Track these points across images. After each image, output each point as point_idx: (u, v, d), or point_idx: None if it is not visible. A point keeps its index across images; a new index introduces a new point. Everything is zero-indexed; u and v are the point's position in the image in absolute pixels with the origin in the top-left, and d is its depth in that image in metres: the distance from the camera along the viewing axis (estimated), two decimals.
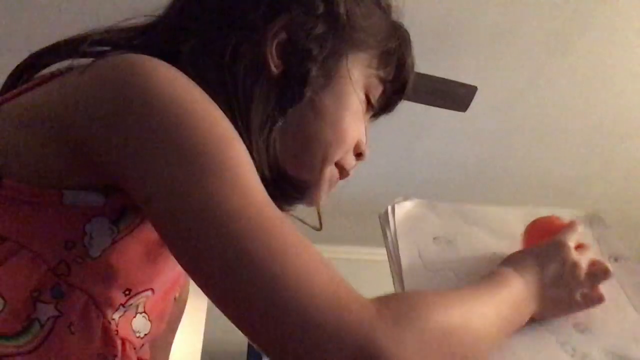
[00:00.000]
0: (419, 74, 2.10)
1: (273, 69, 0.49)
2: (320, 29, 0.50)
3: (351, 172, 0.59)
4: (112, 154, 0.38)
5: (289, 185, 0.52)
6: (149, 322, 0.48)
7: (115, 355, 0.41)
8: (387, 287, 0.60)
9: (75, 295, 0.39)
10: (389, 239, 0.58)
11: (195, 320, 3.32)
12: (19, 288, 0.37)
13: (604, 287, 0.54)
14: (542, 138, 2.66)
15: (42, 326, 0.37)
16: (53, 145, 0.39)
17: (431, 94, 2.00)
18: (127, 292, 0.43)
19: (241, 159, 0.38)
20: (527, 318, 0.51)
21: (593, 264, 0.55)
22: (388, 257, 0.57)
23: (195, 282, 0.37)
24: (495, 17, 2.00)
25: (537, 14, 1.98)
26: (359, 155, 0.59)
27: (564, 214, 0.61)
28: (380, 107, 0.60)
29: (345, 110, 0.53)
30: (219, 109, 0.40)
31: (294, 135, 0.51)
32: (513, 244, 0.60)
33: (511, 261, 0.54)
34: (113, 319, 0.43)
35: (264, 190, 0.38)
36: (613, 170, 2.88)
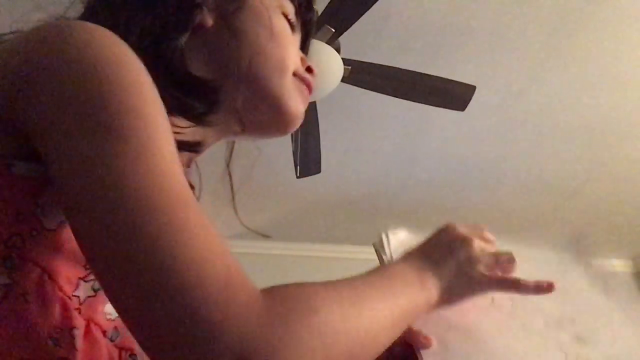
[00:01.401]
0: (418, 73, 2.11)
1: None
2: None
3: (313, 89, 0.61)
4: (31, 117, 0.37)
5: (259, 112, 0.56)
6: None
7: (75, 328, 0.40)
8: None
9: (27, 268, 0.38)
10: (386, 262, 0.60)
11: None
12: None
13: (602, 310, 0.55)
14: (541, 138, 2.66)
15: None
16: None
17: (430, 93, 2.00)
18: (87, 267, 0.42)
19: (154, 132, 0.37)
20: (425, 308, 0.50)
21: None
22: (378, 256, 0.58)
23: (85, 257, 0.36)
24: (494, 16, 2.00)
25: (537, 13, 1.98)
26: (308, 69, 0.62)
27: (548, 254, 0.63)
28: (302, 30, 0.64)
29: (267, 24, 0.57)
30: (147, 79, 0.39)
31: (211, 55, 0.55)
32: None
33: (400, 259, 0.54)
34: (76, 296, 0.41)
35: (176, 169, 0.37)
36: (613, 170, 2.88)
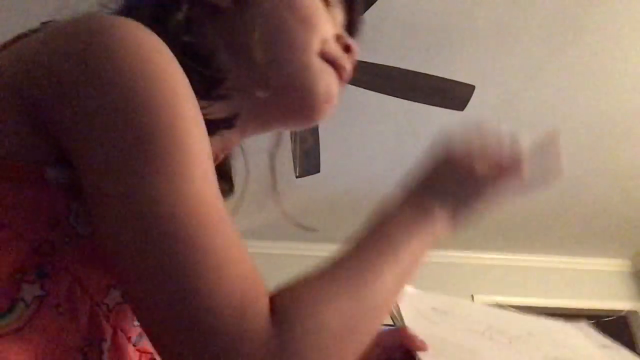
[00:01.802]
0: (417, 73, 2.11)
1: None
2: None
3: (348, 67, 0.55)
4: (62, 124, 0.36)
5: (285, 96, 0.52)
6: None
7: (103, 340, 0.39)
8: None
9: (59, 276, 0.37)
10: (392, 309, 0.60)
11: None
12: (1, 268, 0.35)
13: (596, 355, 0.55)
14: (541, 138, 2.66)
15: (27, 306, 0.35)
16: (18, 116, 0.37)
17: (430, 93, 2.00)
18: None
19: (187, 153, 0.35)
20: (433, 242, 0.48)
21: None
22: (392, 320, 0.58)
23: (115, 273, 0.36)
24: (494, 16, 2.00)
25: (536, 13, 1.98)
26: (346, 48, 0.55)
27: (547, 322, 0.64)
28: (344, 6, 0.59)
29: (296, 1, 0.52)
30: (186, 84, 0.38)
31: (263, 38, 0.50)
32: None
33: (399, 198, 0.52)
34: (105, 304, 0.40)
35: (206, 190, 0.36)
36: (612, 170, 2.88)
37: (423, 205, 0.51)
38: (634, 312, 3.56)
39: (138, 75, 0.35)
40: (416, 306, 0.60)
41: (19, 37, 0.43)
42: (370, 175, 3.01)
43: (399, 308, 0.58)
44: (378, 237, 0.45)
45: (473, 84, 1.99)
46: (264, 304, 0.35)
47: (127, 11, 0.47)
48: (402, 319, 0.56)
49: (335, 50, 0.54)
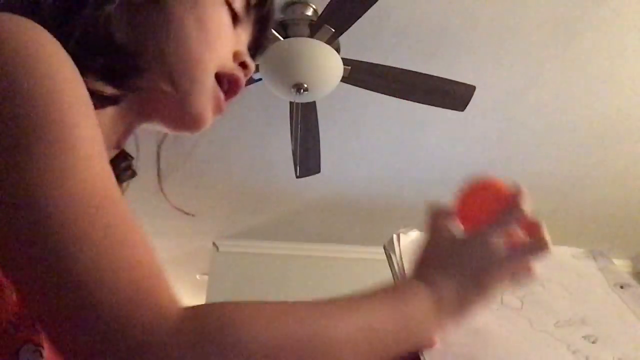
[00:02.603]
0: (418, 73, 2.11)
1: None
2: None
3: (242, 87, 0.57)
4: None
5: (170, 100, 0.52)
6: None
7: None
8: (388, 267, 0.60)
9: None
10: (395, 264, 0.58)
11: None
12: None
13: (613, 308, 0.54)
14: (541, 138, 2.66)
15: None
16: None
17: (430, 93, 2.00)
18: None
19: (72, 135, 0.34)
20: (431, 318, 0.43)
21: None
22: (393, 278, 0.57)
23: None
24: (494, 16, 2.00)
25: (536, 13, 1.98)
26: (242, 64, 0.57)
27: (564, 251, 0.60)
28: (255, 24, 0.60)
29: (207, 15, 0.53)
30: (70, 71, 0.37)
31: (140, 31, 0.51)
32: None
33: (422, 270, 0.47)
34: None
35: (92, 166, 0.35)
36: (613, 170, 2.88)
37: (421, 274, 0.46)
38: None
39: (15, 61, 0.35)
40: None
41: None
42: (370, 175, 3.01)
43: (404, 270, 0.56)
44: (352, 295, 0.41)
45: (473, 84, 1.99)
46: (166, 295, 0.33)
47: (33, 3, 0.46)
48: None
49: (230, 67, 0.56)
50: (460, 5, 1.95)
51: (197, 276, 4.54)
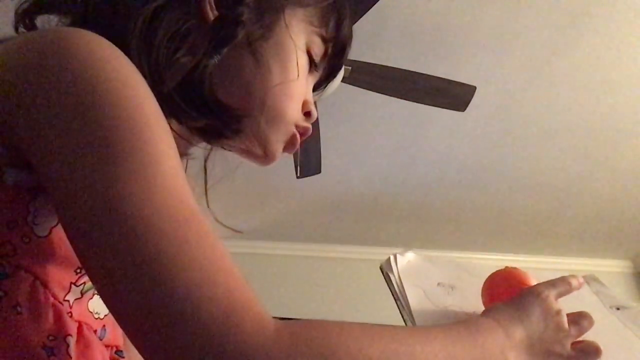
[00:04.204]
0: (418, 73, 2.11)
1: (209, 15, 0.51)
2: None
3: (309, 134, 0.60)
4: (22, 130, 0.36)
5: (249, 137, 0.55)
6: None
7: (69, 335, 0.40)
8: (387, 286, 0.60)
9: (19, 276, 0.38)
10: (394, 283, 0.59)
11: None
12: None
13: (612, 328, 0.55)
14: (541, 138, 2.66)
15: None
16: None
17: (430, 93, 2.00)
18: (78, 270, 0.42)
19: (154, 149, 0.35)
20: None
21: (574, 316, 0.54)
22: (395, 299, 0.58)
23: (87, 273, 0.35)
24: (495, 17, 2.00)
25: (537, 14, 1.98)
26: (307, 114, 0.60)
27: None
28: (324, 71, 0.62)
29: (288, 62, 0.54)
30: (146, 89, 0.38)
31: (235, 80, 0.53)
32: None
33: (490, 311, 0.51)
34: (66, 301, 0.41)
35: (177, 185, 0.36)
36: (613, 170, 2.88)
37: (491, 315, 0.50)
38: None
39: (98, 75, 0.36)
40: (421, 285, 0.59)
41: None
42: (370, 175, 3.01)
43: (403, 288, 0.57)
44: (427, 327, 0.44)
45: (474, 84, 1.99)
46: (260, 306, 0.33)
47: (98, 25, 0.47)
48: (409, 306, 0.55)
49: (302, 119, 0.59)
50: (461, 6, 1.95)
51: None
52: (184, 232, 0.33)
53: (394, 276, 0.59)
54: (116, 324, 0.48)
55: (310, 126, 0.60)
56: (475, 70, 2.22)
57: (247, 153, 0.59)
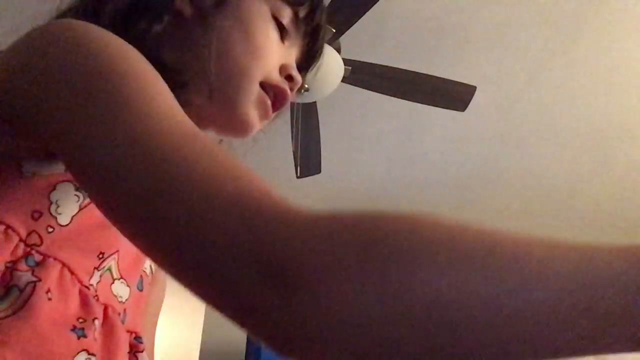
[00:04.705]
0: (418, 73, 2.11)
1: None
2: None
3: (288, 98, 0.59)
4: (31, 108, 0.37)
5: (218, 109, 0.55)
6: (127, 287, 0.48)
7: (96, 318, 0.42)
8: None
9: (48, 264, 0.40)
10: None
11: (194, 319, 3.32)
12: None
13: None
14: (541, 138, 2.67)
15: (21, 291, 0.37)
16: None
17: (430, 93, 2.00)
18: (100, 256, 0.44)
19: (149, 86, 0.36)
20: None
21: None
22: None
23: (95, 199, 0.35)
24: (494, 17, 2.00)
25: (537, 14, 1.98)
26: (288, 77, 0.59)
27: None
28: (305, 35, 0.61)
29: (250, 29, 0.55)
30: (144, 60, 0.39)
31: (184, 45, 0.55)
32: None
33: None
34: (91, 285, 0.43)
35: (175, 108, 0.36)
36: (613, 170, 2.88)
37: None
38: None
39: (103, 47, 0.38)
40: None
41: None
42: (370, 175, 3.01)
43: None
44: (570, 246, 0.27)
45: (473, 84, 1.99)
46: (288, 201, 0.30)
47: (91, 17, 0.49)
48: None
49: (276, 79, 0.58)
50: (461, 6, 1.96)
51: None
52: (193, 144, 0.33)
53: None
54: (137, 308, 0.50)
55: (286, 88, 0.58)
56: (475, 70, 2.22)
57: (221, 127, 0.58)
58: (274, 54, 0.58)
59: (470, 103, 2.04)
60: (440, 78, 1.96)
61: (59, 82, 0.36)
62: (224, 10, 0.55)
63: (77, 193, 0.42)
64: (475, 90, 1.99)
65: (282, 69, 0.59)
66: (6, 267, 0.38)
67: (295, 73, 0.59)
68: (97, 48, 0.37)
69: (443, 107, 2.06)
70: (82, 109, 0.35)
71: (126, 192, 0.32)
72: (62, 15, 0.52)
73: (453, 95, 2.01)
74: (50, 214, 0.40)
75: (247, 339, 3.20)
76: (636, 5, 1.92)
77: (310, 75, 0.67)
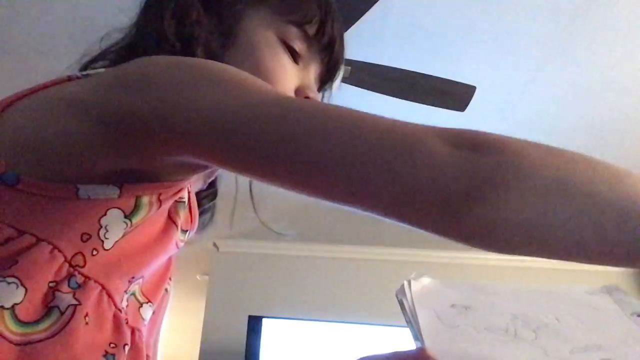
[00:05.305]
0: (418, 73, 2.11)
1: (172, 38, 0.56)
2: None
3: None
4: (147, 110, 0.40)
5: None
6: (151, 308, 0.50)
7: (127, 344, 0.43)
8: (388, 286, 0.60)
9: (89, 286, 0.41)
10: (407, 308, 0.58)
11: (194, 321, 3.32)
12: (38, 278, 0.38)
13: (632, 337, 0.54)
14: (541, 138, 2.66)
15: (62, 313, 0.38)
16: (80, 128, 0.41)
17: (430, 93, 2.00)
18: (131, 280, 0.45)
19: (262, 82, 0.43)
20: None
21: None
22: (407, 323, 0.57)
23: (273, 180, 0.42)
24: (494, 17, 2.00)
25: (537, 14, 1.98)
26: (306, 99, 0.60)
27: (579, 289, 0.62)
28: (319, 52, 0.62)
29: (261, 56, 0.57)
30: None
31: None
32: (535, 304, 0.59)
33: None
34: (122, 308, 0.44)
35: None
36: None
37: None
38: None
39: (203, 61, 0.45)
40: (434, 307, 0.59)
41: (70, 78, 0.47)
42: None
43: (415, 310, 0.57)
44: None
45: (473, 84, 1.99)
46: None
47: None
48: (419, 327, 0.55)
49: None
50: (461, 6, 1.96)
51: (198, 276, 4.54)
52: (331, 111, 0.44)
53: (408, 302, 0.58)
54: (153, 325, 0.51)
55: None
56: (475, 70, 2.22)
57: None
58: (287, 77, 0.58)
59: (470, 103, 2.04)
60: (440, 78, 1.96)
61: (196, 86, 0.40)
62: (231, 48, 0.57)
63: (126, 220, 0.43)
64: (474, 90, 1.99)
65: (298, 92, 0.60)
66: (49, 287, 0.39)
67: (312, 94, 0.61)
68: (199, 61, 0.45)
69: (443, 107, 2.06)
70: (229, 98, 0.39)
71: (329, 151, 0.39)
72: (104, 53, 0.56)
73: (453, 95, 2.01)
74: (99, 237, 0.41)
75: (247, 339, 3.21)
76: (635, 6, 1.92)
77: (334, 85, 0.68)
